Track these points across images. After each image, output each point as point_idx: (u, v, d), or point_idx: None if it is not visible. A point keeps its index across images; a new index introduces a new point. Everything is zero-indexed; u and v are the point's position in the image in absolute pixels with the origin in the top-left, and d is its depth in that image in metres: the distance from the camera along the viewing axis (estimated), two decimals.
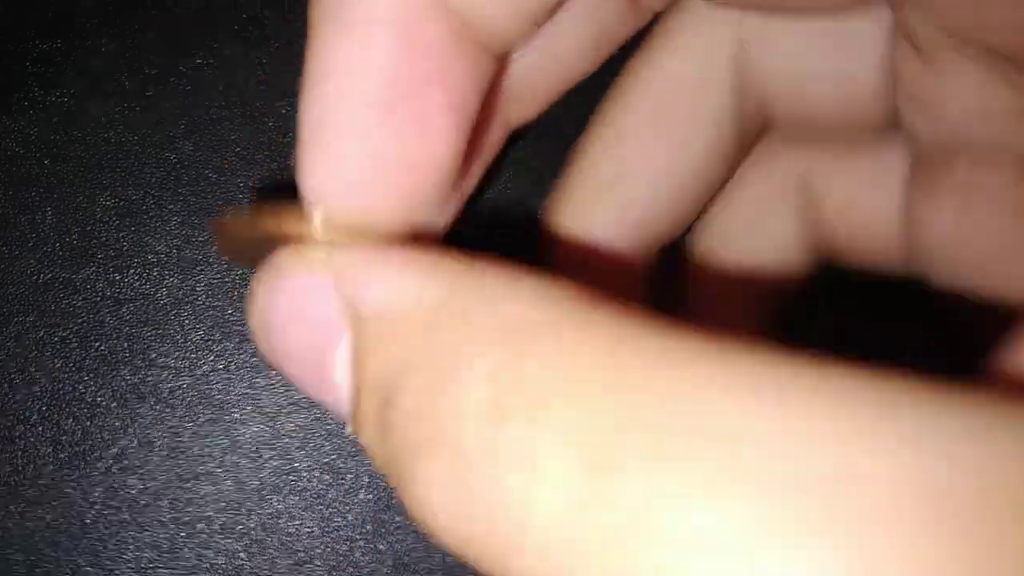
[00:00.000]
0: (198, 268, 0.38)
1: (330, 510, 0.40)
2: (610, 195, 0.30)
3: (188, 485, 0.38)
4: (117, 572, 0.37)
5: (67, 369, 0.37)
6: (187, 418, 0.38)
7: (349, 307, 0.19)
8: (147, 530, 0.38)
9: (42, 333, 0.37)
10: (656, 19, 0.29)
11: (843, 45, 0.27)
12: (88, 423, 0.37)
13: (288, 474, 0.39)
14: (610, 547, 0.13)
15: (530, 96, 0.29)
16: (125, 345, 0.37)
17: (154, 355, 0.38)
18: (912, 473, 0.12)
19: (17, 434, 0.37)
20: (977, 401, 0.13)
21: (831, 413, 0.13)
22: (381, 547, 0.41)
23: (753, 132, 0.30)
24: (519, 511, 0.14)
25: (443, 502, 0.16)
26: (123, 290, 0.38)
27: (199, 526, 0.38)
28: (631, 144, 0.29)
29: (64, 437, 0.37)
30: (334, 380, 0.20)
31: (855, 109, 0.28)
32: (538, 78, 0.28)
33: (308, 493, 0.40)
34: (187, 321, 0.38)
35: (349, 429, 0.20)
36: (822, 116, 0.29)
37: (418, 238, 0.23)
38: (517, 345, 0.16)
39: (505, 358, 0.16)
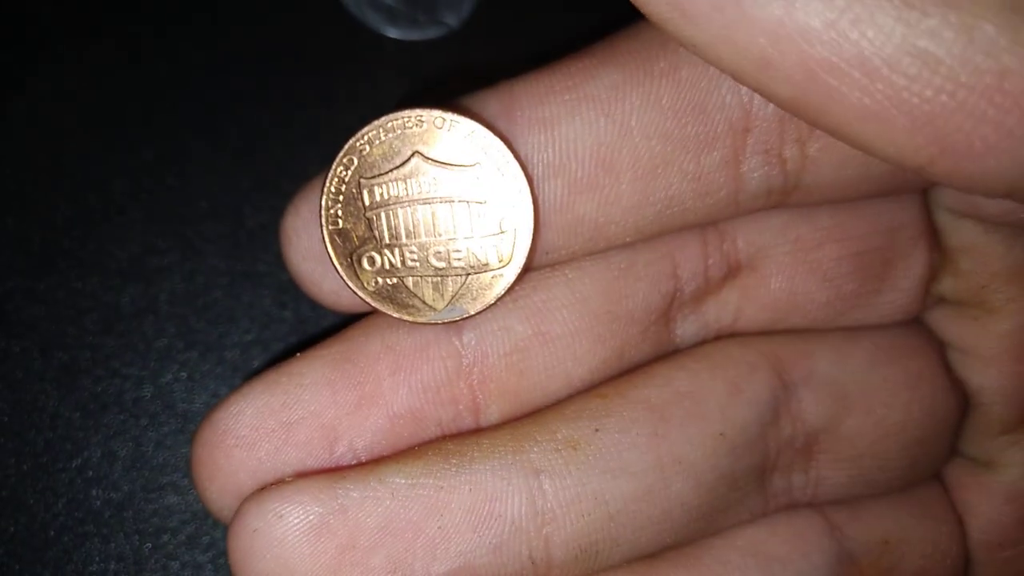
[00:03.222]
0: (160, 276, 0.38)
1: None
2: None
3: (152, 496, 0.37)
4: None
5: (28, 379, 0.37)
6: (151, 428, 0.37)
7: None
8: (111, 542, 0.37)
9: (2, 343, 0.36)
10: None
11: None
12: (50, 434, 0.37)
13: None
14: None
15: None
16: (87, 355, 0.37)
17: (117, 365, 0.37)
18: None
19: None
20: None
21: None
22: None
23: None
24: None
25: None
26: (85, 299, 0.37)
27: (164, 537, 0.38)
28: None
29: (26, 448, 0.37)
30: None
31: None
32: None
33: None
34: (149, 330, 0.37)
35: None
36: None
37: None
38: None
39: None
